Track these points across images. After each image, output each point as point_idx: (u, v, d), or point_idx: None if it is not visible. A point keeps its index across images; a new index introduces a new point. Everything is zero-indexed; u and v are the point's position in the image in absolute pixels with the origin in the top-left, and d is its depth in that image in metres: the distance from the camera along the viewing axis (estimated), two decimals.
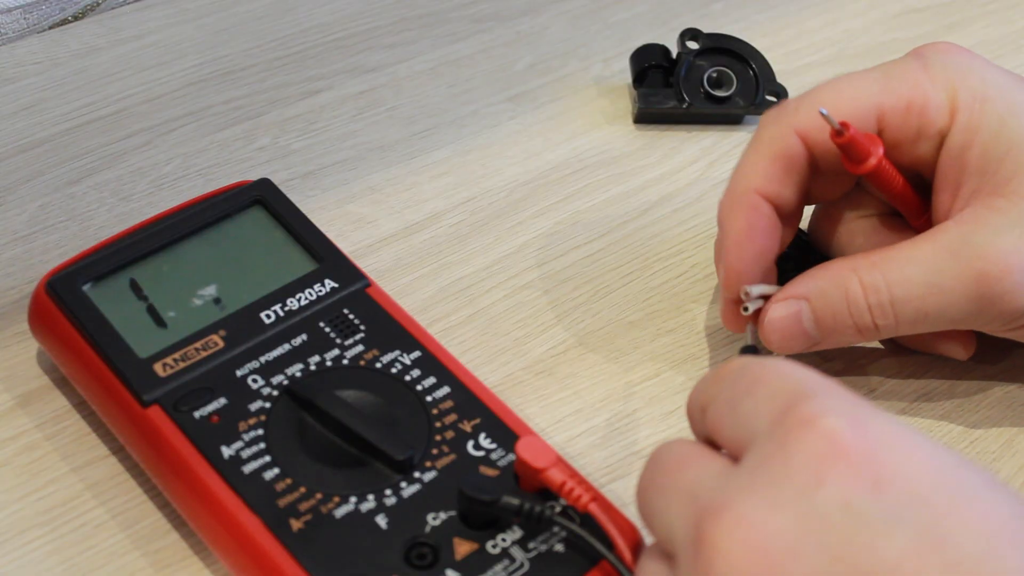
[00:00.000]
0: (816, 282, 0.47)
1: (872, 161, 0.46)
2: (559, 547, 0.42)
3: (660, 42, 0.62)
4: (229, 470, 0.43)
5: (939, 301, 0.45)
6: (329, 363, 0.46)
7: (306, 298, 0.48)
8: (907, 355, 0.52)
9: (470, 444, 0.44)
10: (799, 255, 0.51)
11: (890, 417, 0.35)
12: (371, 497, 0.42)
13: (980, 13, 0.69)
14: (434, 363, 0.46)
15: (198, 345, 0.46)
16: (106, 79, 0.62)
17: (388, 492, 0.43)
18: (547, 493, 0.42)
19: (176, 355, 0.46)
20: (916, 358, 0.52)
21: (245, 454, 0.43)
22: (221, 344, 0.46)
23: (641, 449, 0.48)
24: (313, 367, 0.46)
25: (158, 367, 0.45)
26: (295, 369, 0.46)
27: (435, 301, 0.53)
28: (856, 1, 0.69)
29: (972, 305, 0.45)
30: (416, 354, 0.47)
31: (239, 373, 0.45)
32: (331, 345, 0.47)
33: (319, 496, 0.42)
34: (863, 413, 0.35)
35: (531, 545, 0.42)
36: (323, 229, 0.50)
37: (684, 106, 0.60)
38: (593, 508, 0.41)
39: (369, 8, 0.67)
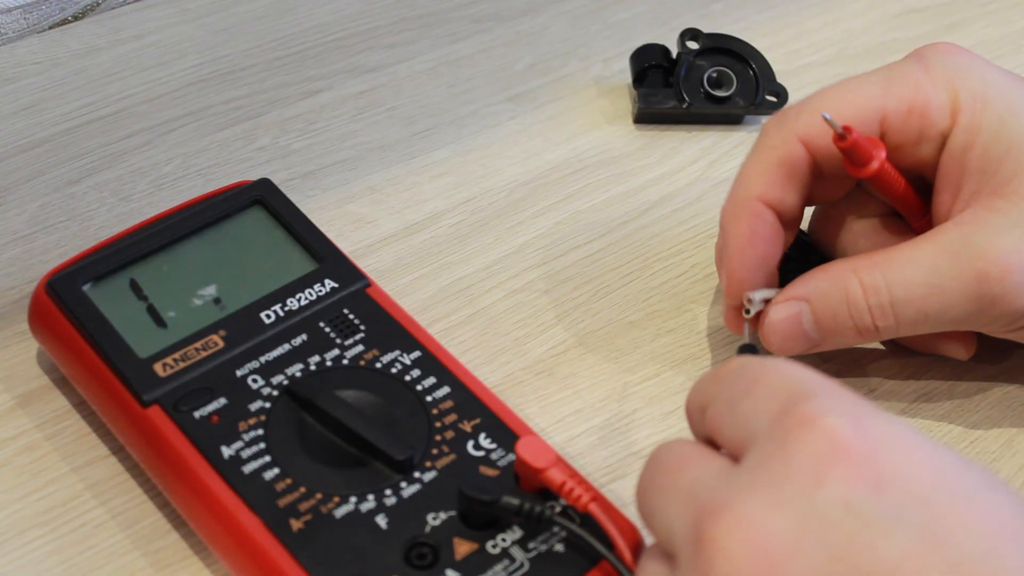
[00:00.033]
0: (816, 283, 0.47)
1: (875, 164, 0.46)
2: (559, 547, 0.42)
3: (660, 42, 0.62)
4: (229, 470, 0.43)
5: (939, 302, 0.45)
6: (329, 363, 0.46)
7: (306, 298, 0.48)
8: (907, 355, 0.52)
9: (470, 444, 0.44)
10: (799, 256, 0.51)
11: (890, 417, 0.35)
12: (371, 497, 0.42)
13: (980, 13, 0.69)
14: (434, 363, 0.46)
15: (198, 345, 0.46)
16: (106, 79, 0.62)
17: (388, 492, 0.43)
18: (547, 493, 0.42)
19: (176, 355, 0.46)
20: (916, 358, 0.52)
21: (245, 454, 0.43)
22: (221, 344, 0.46)
23: (641, 449, 0.48)
24: (313, 367, 0.46)
25: (158, 367, 0.45)
26: (295, 369, 0.46)
27: (435, 301, 0.53)
28: (856, 1, 0.69)
29: (972, 305, 0.45)
30: (416, 354, 0.47)
31: (239, 373, 0.45)
32: (331, 345, 0.47)
33: (319, 496, 0.42)
34: (863, 413, 0.35)
35: (531, 545, 0.42)
36: (323, 229, 0.50)
37: (684, 106, 0.60)
38: (593, 508, 0.41)
39: (369, 8, 0.67)
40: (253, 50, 0.64)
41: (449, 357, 0.47)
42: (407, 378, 0.46)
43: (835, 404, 0.35)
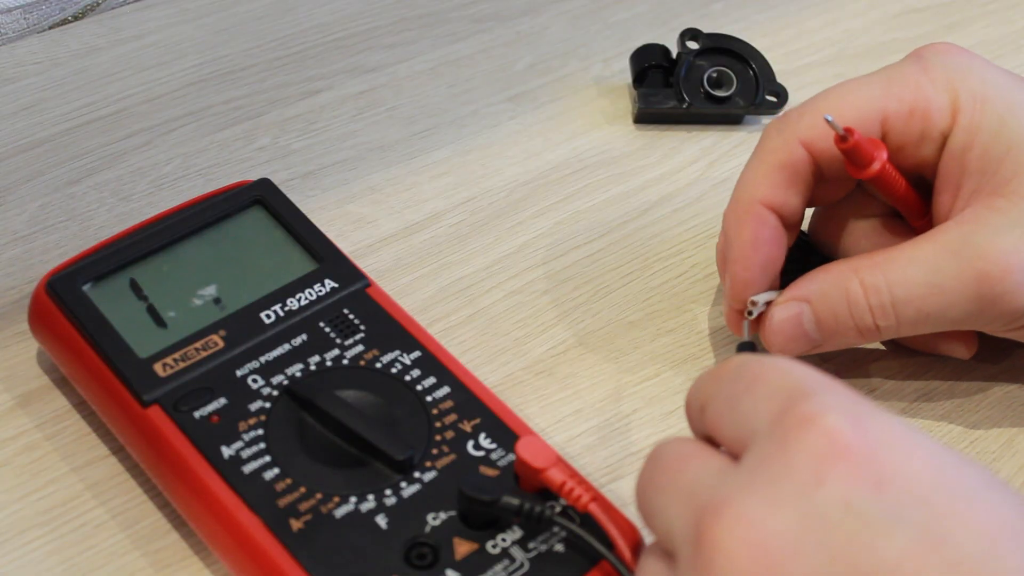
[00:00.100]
0: (817, 284, 0.47)
1: (876, 166, 0.46)
2: (559, 547, 0.42)
3: (660, 42, 0.62)
4: (229, 470, 0.43)
5: (940, 301, 0.45)
6: (329, 363, 0.46)
7: (306, 298, 0.48)
8: (907, 355, 0.52)
9: (470, 444, 0.44)
10: (800, 257, 0.51)
11: (891, 416, 0.35)
12: (371, 497, 0.42)
13: (980, 13, 0.69)
14: (434, 363, 0.46)
15: (198, 345, 0.46)
16: (106, 79, 0.62)
17: (388, 492, 0.43)
18: (547, 493, 0.42)
19: (176, 355, 0.46)
20: (916, 358, 0.52)
21: (245, 454, 0.43)
22: (221, 344, 0.46)
23: (641, 449, 0.48)
24: (313, 367, 0.46)
25: (158, 367, 0.45)
26: (295, 369, 0.46)
27: (435, 301, 0.53)
28: (856, 1, 0.69)
29: (973, 305, 0.45)
30: (416, 354, 0.47)
31: (239, 373, 0.45)
32: (331, 345, 0.47)
33: (319, 496, 0.42)
34: (864, 412, 0.35)
35: (531, 545, 0.42)
36: (323, 229, 0.50)
37: (684, 106, 0.60)
38: (593, 508, 0.41)
39: (369, 8, 0.67)
40: (253, 50, 0.64)
41: (449, 357, 0.47)
42: (407, 378, 0.46)
43: (835, 403, 0.35)
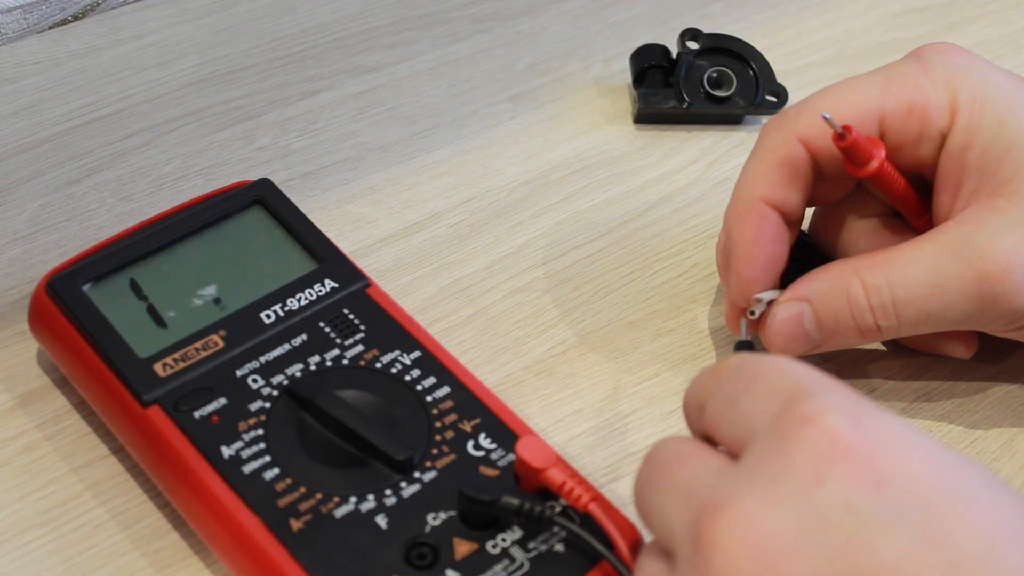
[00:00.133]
0: (817, 284, 0.47)
1: (874, 164, 0.46)
2: (559, 547, 0.42)
3: (660, 42, 0.62)
4: (229, 470, 0.43)
5: (941, 301, 0.45)
6: (329, 363, 0.46)
7: (306, 298, 0.48)
8: (908, 355, 0.52)
9: (470, 444, 0.44)
10: (800, 257, 0.51)
11: (891, 416, 0.35)
12: (371, 497, 0.42)
13: (980, 13, 0.69)
14: (434, 363, 0.46)
15: (198, 345, 0.46)
16: (106, 79, 0.62)
17: (388, 492, 0.43)
18: (547, 493, 0.42)
19: (176, 355, 0.46)
20: (916, 358, 0.52)
21: (245, 454, 0.43)
22: (221, 344, 0.46)
23: (641, 449, 0.48)
24: (313, 367, 0.46)
25: (158, 367, 0.45)
26: (295, 369, 0.46)
27: (435, 301, 0.53)
28: (856, 1, 0.69)
29: (974, 305, 0.45)
30: (416, 354, 0.47)
31: (239, 373, 0.45)
32: (331, 345, 0.47)
33: (319, 496, 0.42)
34: (864, 411, 0.35)
35: (531, 545, 0.42)
36: (323, 229, 0.50)
37: (684, 106, 0.60)
38: (593, 508, 0.41)
39: (369, 8, 0.67)
40: (253, 50, 0.64)
41: (449, 357, 0.47)
42: (407, 378, 0.46)
43: (835, 402, 0.35)
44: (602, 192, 0.58)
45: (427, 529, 0.42)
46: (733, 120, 0.62)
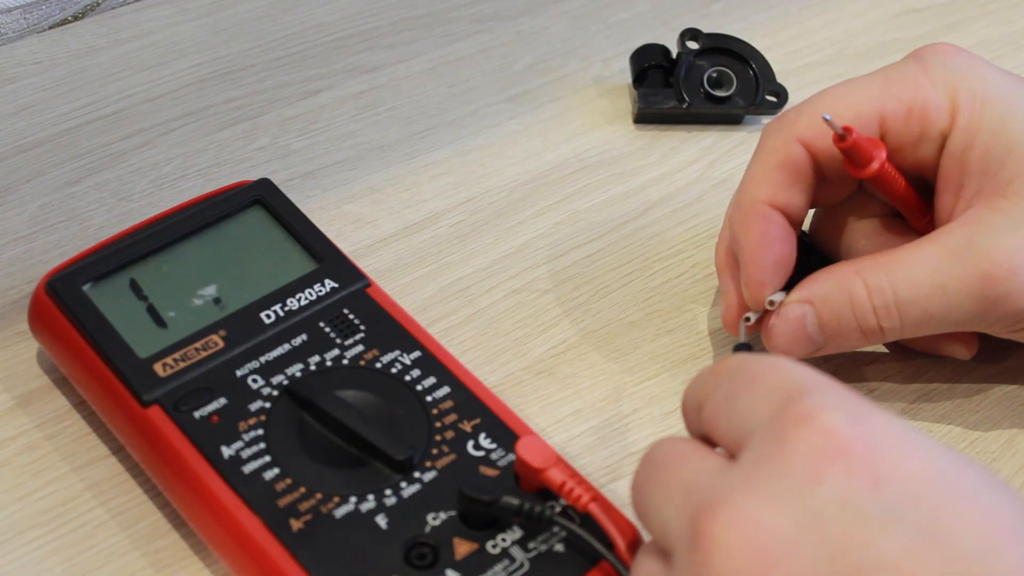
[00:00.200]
0: (820, 285, 0.47)
1: (875, 165, 0.46)
2: (559, 547, 0.42)
3: (660, 42, 0.62)
4: (229, 470, 0.43)
5: (944, 302, 0.45)
6: (329, 363, 0.46)
7: (306, 298, 0.48)
8: (907, 356, 0.52)
9: (470, 444, 0.44)
10: (800, 258, 0.51)
11: (889, 415, 0.35)
12: (371, 497, 0.42)
13: (980, 13, 0.69)
14: (434, 363, 0.46)
15: (198, 345, 0.46)
16: (106, 79, 0.62)
17: (388, 492, 0.43)
18: (547, 493, 0.42)
19: (176, 355, 0.46)
20: (916, 359, 0.52)
21: (245, 454, 0.43)
22: (221, 344, 0.46)
23: (641, 449, 0.48)
24: (313, 367, 0.46)
25: (158, 367, 0.45)
26: (295, 369, 0.46)
27: (435, 301, 0.53)
28: (856, 1, 0.69)
29: (976, 306, 0.45)
30: (416, 354, 0.47)
31: (239, 373, 0.45)
32: (331, 345, 0.47)
33: (319, 496, 0.42)
34: (862, 410, 0.35)
35: (531, 545, 0.42)
36: (323, 229, 0.50)
37: (684, 106, 0.60)
38: (593, 508, 0.41)
39: (369, 8, 0.67)
40: (253, 50, 0.64)
41: (449, 357, 0.47)
42: (407, 378, 0.46)
43: (833, 401, 0.35)
44: (602, 192, 0.58)
45: (427, 529, 0.42)
46: (733, 120, 0.62)
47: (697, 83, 0.61)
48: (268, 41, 0.65)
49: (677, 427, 0.49)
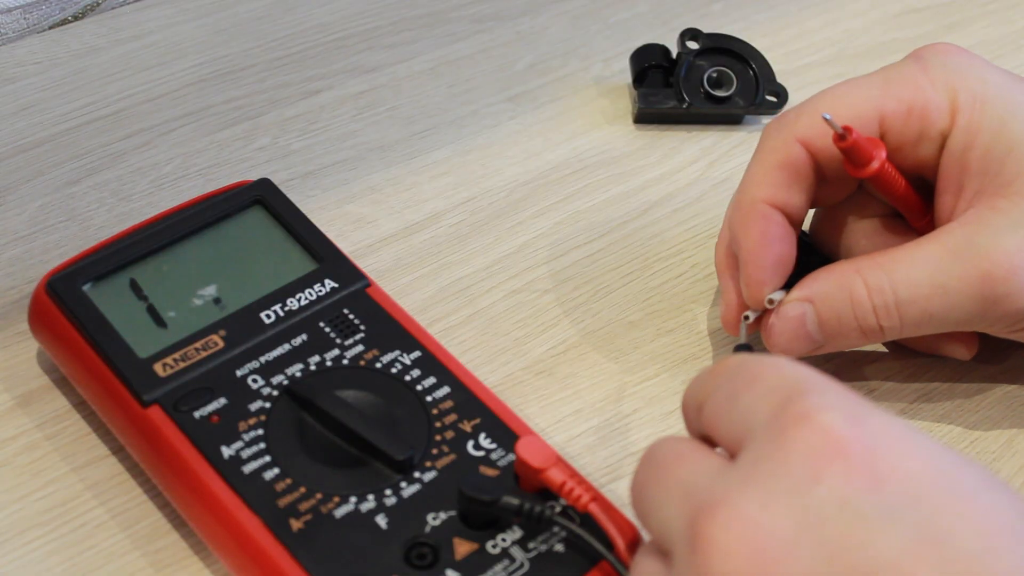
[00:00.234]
0: (820, 285, 0.47)
1: (875, 165, 0.46)
2: (559, 547, 0.42)
3: (660, 42, 0.62)
4: (229, 470, 0.43)
5: (944, 302, 0.45)
6: (329, 363, 0.46)
7: (306, 298, 0.48)
8: (907, 356, 0.52)
9: (470, 444, 0.44)
10: (800, 257, 0.51)
11: (889, 415, 0.35)
12: (371, 497, 0.42)
13: (980, 13, 0.69)
14: (434, 363, 0.46)
15: (198, 345, 0.46)
16: (106, 79, 0.62)
17: (388, 492, 0.43)
18: (547, 493, 0.42)
19: (176, 355, 0.46)
20: (916, 358, 0.52)
21: (245, 454, 0.43)
22: (221, 344, 0.46)
23: (641, 449, 0.48)
24: (313, 367, 0.46)
25: (158, 367, 0.45)
26: (295, 369, 0.46)
27: (435, 301, 0.53)
28: (856, 1, 0.69)
29: (976, 306, 0.45)
30: (416, 354, 0.47)
31: (239, 373, 0.45)
32: (331, 345, 0.47)
33: (319, 496, 0.42)
34: (861, 410, 0.35)
35: (531, 545, 0.42)
36: (323, 229, 0.50)
37: (684, 106, 0.60)
38: (593, 508, 0.41)
39: (369, 8, 0.67)
40: (253, 50, 0.64)
41: (449, 357, 0.47)
42: (407, 378, 0.46)
43: (833, 401, 0.35)
44: (602, 192, 0.58)
45: (427, 529, 0.42)
46: (733, 120, 0.62)
47: (697, 83, 0.61)
48: (268, 41, 0.65)
49: (677, 427, 0.49)
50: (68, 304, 0.47)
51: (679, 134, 0.61)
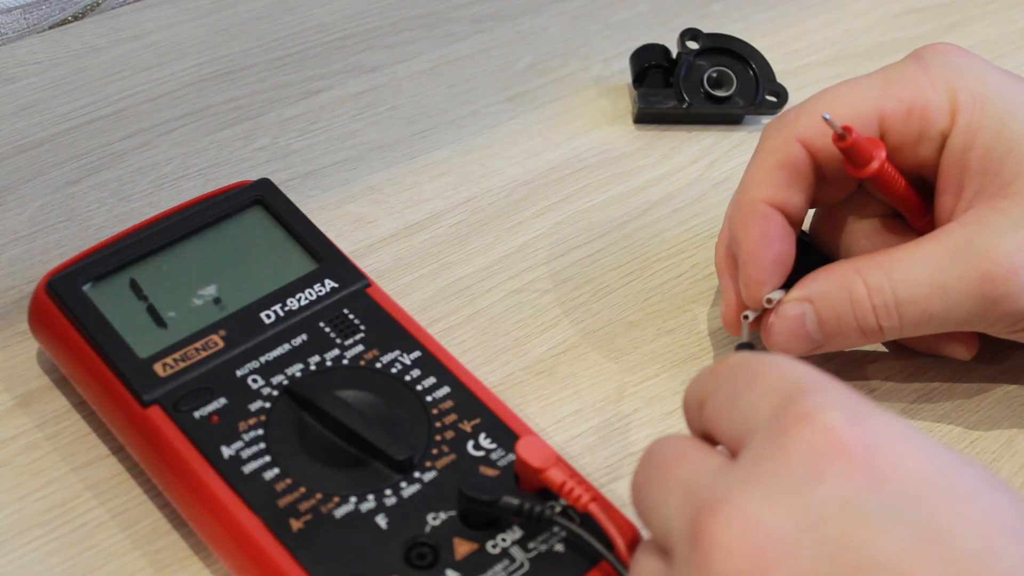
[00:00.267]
0: (819, 284, 0.47)
1: (875, 165, 0.46)
2: (559, 547, 0.42)
3: (660, 42, 0.62)
4: (229, 470, 0.43)
5: (944, 302, 0.45)
6: (329, 363, 0.46)
7: (306, 298, 0.48)
8: (908, 356, 0.52)
9: (470, 444, 0.44)
10: (800, 257, 0.51)
11: (890, 415, 0.35)
12: (371, 497, 0.42)
13: (980, 13, 0.69)
14: (434, 363, 0.46)
15: (198, 345, 0.46)
16: (106, 79, 0.62)
17: (388, 492, 0.43)
18: (547, 493, 0.42)
19: (176, 355, 0.46)
20: (916, 358, 0.52)
21: (245, 454, 0.43)
22: (221, 344, 0.46)
23: (641, 449, 0.48)
24: (313, 367, 0.46)
25: (158, 367, 0.45)
26: (295, 369, 0.46)
27: (435, 301, 0.53)
28: (856, 1, 0.69)
29: (976, 306, 0.45)
30: (416, 354, 0.47)
31: (239, 373, 0.45)
32: (331, 345, 0.47)
33: (319, 496, 0.42)
34: (862, 409, 0.35)
35: (531, 545, 0.42)
36: (323, 229, 0.50)
37: (684, 106, 0.60)
38: (593, 508, 0.41)
39: (369, 8, 0.67)
40: (253, 50, 0.64)
41: (449, 357, 0.47)
42: (407, 378, 0.46)
43: (834, 400, 0.35)
44: (602, 192, 0.58)
45: (427, 529, 0.42)
46: (733, 120, 0.62)
47: (697, 83, 0.61)
48: (268, 41, 0.65)
49: (677, 427, 0.49)
50: (68, 304, 0.47)
51: (679, 134, 0.61)
